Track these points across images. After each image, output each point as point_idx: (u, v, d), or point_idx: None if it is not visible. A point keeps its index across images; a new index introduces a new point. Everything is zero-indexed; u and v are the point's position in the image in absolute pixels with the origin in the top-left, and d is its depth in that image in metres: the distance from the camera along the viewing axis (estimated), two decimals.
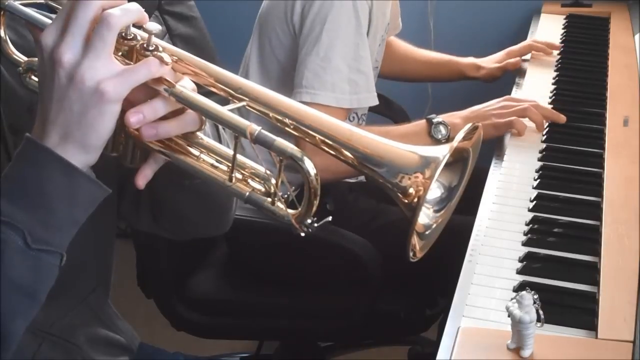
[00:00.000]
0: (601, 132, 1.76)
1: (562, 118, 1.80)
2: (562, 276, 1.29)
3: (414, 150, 0.92)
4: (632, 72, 2.01)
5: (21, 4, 1.01)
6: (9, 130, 1.08)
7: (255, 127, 0.91)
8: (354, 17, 1.78)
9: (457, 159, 0.96)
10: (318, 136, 0.93)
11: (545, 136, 1.77)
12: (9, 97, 1.09)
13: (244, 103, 0.95)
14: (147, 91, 0.94)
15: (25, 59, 1.06)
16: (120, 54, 0.95)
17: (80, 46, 0.90)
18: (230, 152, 0.96)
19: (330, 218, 0.94)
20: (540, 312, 1.06)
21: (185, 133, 0.97)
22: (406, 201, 0.91)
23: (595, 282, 1.27)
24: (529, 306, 1.06)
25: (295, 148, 0.90)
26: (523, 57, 2.23)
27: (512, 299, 1.08)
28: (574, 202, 1.51)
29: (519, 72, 2.15)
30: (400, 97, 2.40)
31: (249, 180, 0.96)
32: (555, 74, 2.10)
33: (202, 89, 0.97)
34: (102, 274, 1.26)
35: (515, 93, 2.00)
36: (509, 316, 1.08)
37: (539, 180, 1.58)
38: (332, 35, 1.77)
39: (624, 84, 1.97)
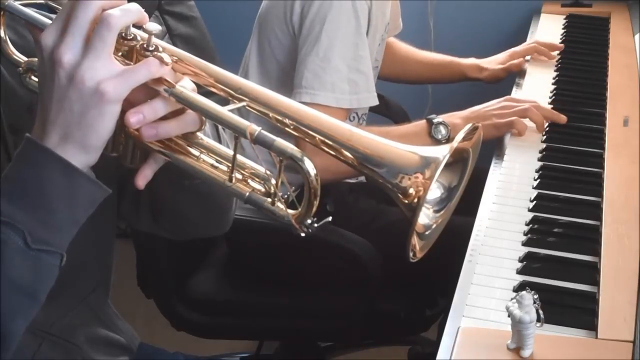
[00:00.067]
0: (601, 132, 1.76)
1: (562, 119, 1.80)
2: (562, 276, 1.29)
3: (414, 151, 0.92)
4: (632, 72, 2.01)
5: (21, 4, 1.01)
6: (9, 130, 1.08)
7: (255, 128, 0.91)
8: (353, 17, 1.78)
9: (457, 160, 0.96)
10: (318, 136, 0.93)
11: (545, 136, 1.77)
12: (9, 97, 1.09)
13: (243, 103, 0.95)
14: (147, 91, 0.94)
15: (25, 59, 1.06)
16: (120, 54, 0.95)
17: (80, 47, 0.90)
18: (230, 152, 0.96)
19: (330, 218, 0.94)
20: (540, 312, 1.06)
21: (185, 133, 0.97)
22: (406, 201, 0.91)
23: (595, 282, 1.27)
24: (529, 306, 1.06)
25: (295, 148, 0.90)
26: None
27: (512, 299, 1.08)
28: (574, 202, 1.51)
29: (519, 72, 2.15)
30: (401, 98, 2.40)
31: (249, 181, 0.96)
32: (555, 74, 2.10)
33: (202, 89, 0.97)
34: (102, 274, 1.26)
35: (515, 93, 2.00)
36: (509, 316, 1.08)
37: (539, 180, 1.58)
38: (332, 36, 1.77)
39: (624, 84, 1.97)
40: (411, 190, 0.90)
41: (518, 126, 1.77)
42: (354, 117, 1.94)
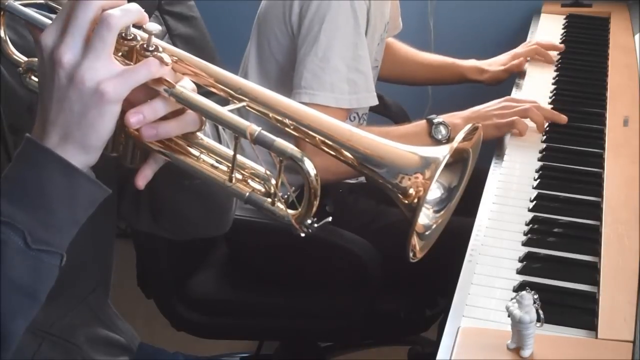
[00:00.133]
0: (601, 132, 1.76)
1: (563, 119, 1.80)
2: (562, 276, 1.29)
3: (414, 151, 0.92)
4: (632, 72, 2.00)
5: (21, 4, 1.01)
6: (9, 130, 1.08)
7: (255, 128, 0.91)
8: (352, 17, 1.78)
9: (457, 160, 0.96)
10: (318, 137, 0.93)
11: (545, 136, 1.77)
12: (9, 97, 1.09)
13: (243, 103, 0.95)
14: (147, 91, 0.94)
15: (25, 59, 1.06)
16: (120, 54, 0.95)
17: (80, 47, 0.90)
18: (230, 152, 0.96)
19: (330, 218, 0.94)
20: (540, 312, 1.06)
21: (185, 133, 0.97)
22: (406, 202, 0.91)
23: (595, 282, 1.27)
24: (529, 306, 1.06)
25: (295, 148, 0.90)
26: None
27: (512, 299, 1.08)
28: (574, 202, 1.51)
29: (519, 73, 2.15)
30: (401, 98, 2.40)
31: (249, 181, 0.96)
32: (555, 74, 2.10)
33: (202, 89, 0.97)
34: (102, 274, 1.26)
35: (515, 93, 2.00)
36: (509, 316, 1.08)
37: (539, 180, 1.58)
38: (331, 35, 1.77)
39: (624, 84, 1.97)
40: (411, 191, 0.90)
41: (519, 126, 1.77)
42: (354, 117, 1.94)
